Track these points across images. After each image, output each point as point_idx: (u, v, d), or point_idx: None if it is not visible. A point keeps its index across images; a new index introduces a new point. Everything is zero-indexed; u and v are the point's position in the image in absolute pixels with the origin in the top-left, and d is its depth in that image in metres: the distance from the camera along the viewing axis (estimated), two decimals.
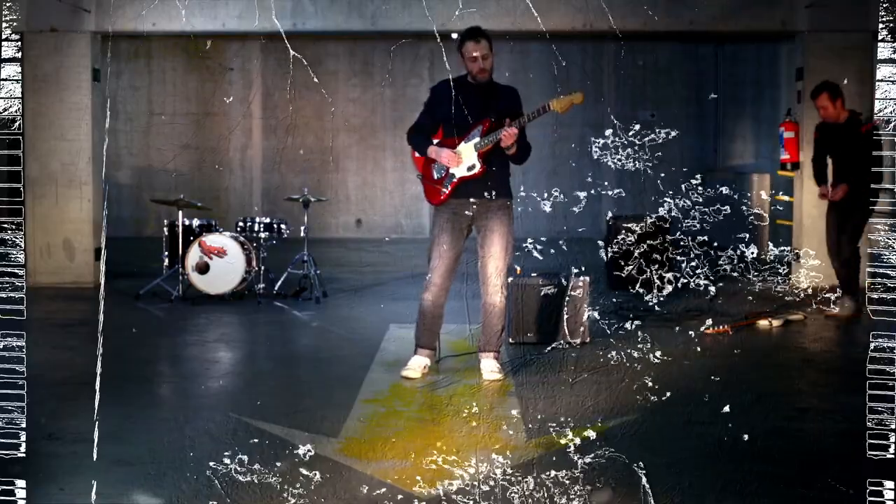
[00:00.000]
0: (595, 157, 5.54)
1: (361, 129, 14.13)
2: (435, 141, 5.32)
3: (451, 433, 4.07)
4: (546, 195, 5.93)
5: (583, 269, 6.16)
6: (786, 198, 8.86)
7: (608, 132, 5.47)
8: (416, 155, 5.59)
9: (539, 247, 5.74)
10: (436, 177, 5.26)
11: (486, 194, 5.19)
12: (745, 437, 4.11)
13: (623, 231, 8.45)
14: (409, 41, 13.02)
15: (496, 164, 5.20)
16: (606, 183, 14.04)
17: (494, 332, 5.29)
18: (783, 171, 8.78)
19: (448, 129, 5.28)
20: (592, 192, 14.00)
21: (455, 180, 5.20)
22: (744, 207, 7.12)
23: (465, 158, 5.18)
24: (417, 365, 5.24)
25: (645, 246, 8.26)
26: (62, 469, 3.66)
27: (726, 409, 4.43)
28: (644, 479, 3.52)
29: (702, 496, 3.32)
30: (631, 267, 8.09)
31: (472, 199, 5.19)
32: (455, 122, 5.20)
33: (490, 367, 5.20)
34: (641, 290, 7.29)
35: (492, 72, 5.22)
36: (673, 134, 5.65)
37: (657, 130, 5.83)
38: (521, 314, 6.08)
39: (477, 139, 5.17)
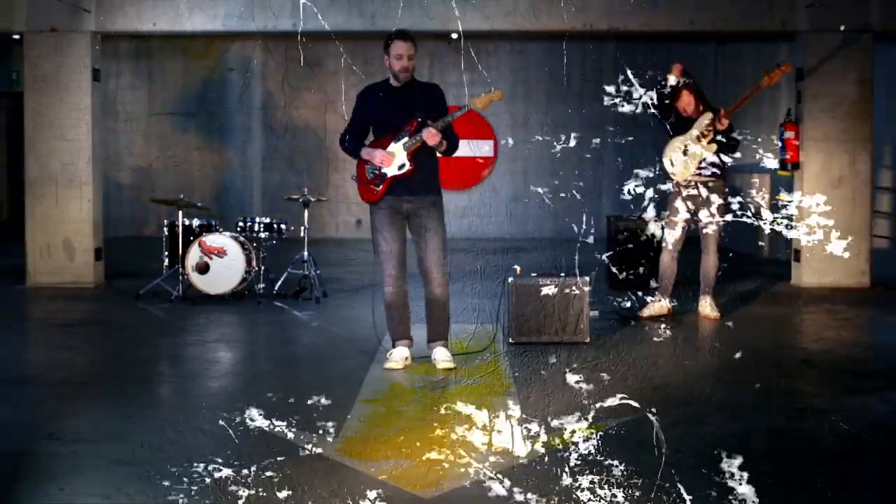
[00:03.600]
0: (608, 103, 5.63)
1: None
2: (367, 143, 5.55)
3: (451, 433, 4.07)
4: (544, 193, 5.99)
5: (581, 268, 6.16)
6: (786, 197, 8.86)
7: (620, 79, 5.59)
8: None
9: (536, 246, 5.78)
10: (369, 177, 5.48)
11: (418, 190, 5.42)
12: (744, 437, 4.11)
13: (620, 231, 8.47)
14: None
15: (424, 162, 5.44)
16: (590, 180, 14.08)
17: (443, 322, 5.55)
18: (783, 171, 8.78)
19: (378, 131, 5.54)
20: (588, 190, 14.02)
21: (387, 179, 5.42)
22: (736, 207, 7.13)
23: (395, 158, 5.39)
24: (399, 356, 5.45)
25: (633, 244, 8.29)
26: (62, 469, 3.66)
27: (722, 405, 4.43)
28: (656, 424, 3.54)
29: (701, 496, 3.32)
30: (627, 267, 8.13)
31: (404, 194, 5.41)
32: (385, 124, 5.45)
33: (443, 356, 5.47)
34: (637, 291, 7.32)
35: (413, 72, 5.44)
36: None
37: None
38: (521, 314, 6.07)
39: (406, 139, 5.39)
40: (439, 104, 5.46)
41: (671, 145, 6.94)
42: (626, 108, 5.83)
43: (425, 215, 5.43)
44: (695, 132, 6.86)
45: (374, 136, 5.54)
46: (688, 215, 6.96)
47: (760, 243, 11.12)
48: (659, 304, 7.07)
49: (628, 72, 5.58)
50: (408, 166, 5.36)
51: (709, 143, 6.84)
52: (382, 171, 5.39)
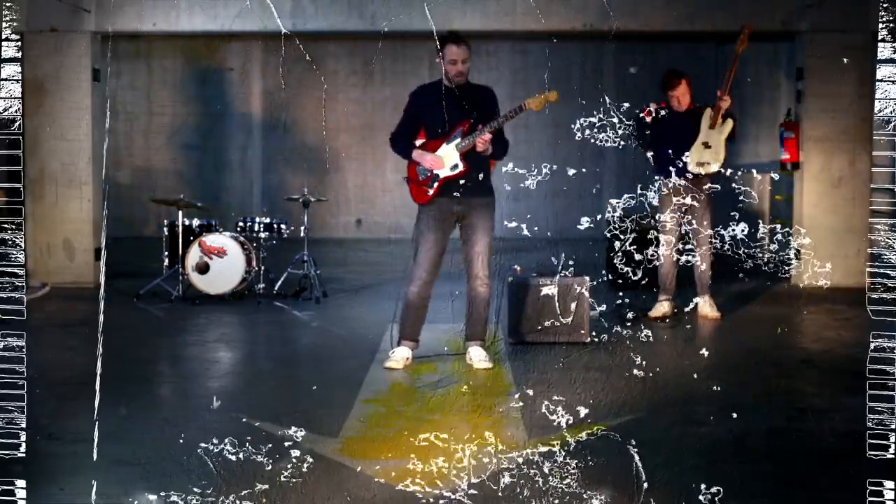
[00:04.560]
0: (584, 137, 5.63)
1: (361, 129, 14.12)
2: (418, 143, 5.52)
3: (451, 433, 4.07)
4: (544, 193, 5.99)
5: (581, 268, 6.16)
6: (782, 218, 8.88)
7: (597, 113, 5.59)
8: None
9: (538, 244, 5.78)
10: (420, 178, 5.45)
11: (470, 192, 5.40)
12: (744, 437, 4.11)
13: (621, 230, 8.45)
14: (392, 42, 13.03)
15: (478, 162, 5.42)
16: (596, 182, 14.07)
17: (481, 321, 5.52)
18: (783, 171, 8.79)
19: (430, 132, 5.49)
20: (588, 190, 14.01)
21: (440, 180, 5.40)
22: (735, 186, 7.12)
23: (447, 160, 5.38)
24: (401, 356, 5.41)
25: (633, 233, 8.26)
26: (62, 469, 3.66)
27: (715, 388, 4.44)
28: (636, 458, 3.53)
29: (701, 497, 3.32)
30: (627, 266, 8.11)
31: (455, 195, 5.39)
32: (437, 124, 5.42)
33: (479, 356, 5.44)
34: (637, 291, 7.31)
35: (468, 74, 5.42)
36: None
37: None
38: (521, 314, 6.07)
39: (458, 140, 5.37)
40: (492, 108, 5.46)
41: (694, 152, 6.89)
42: (607, 136, 5.75)
43: (476, 216, 5.44)
44: (705, 125, 6.88)
45: (426, 137, 5.52)
46: (680, 215, 6.94)
47: (744, 227, 11.09)
48: (663, 305, 7.07)
49: (607, 100, 5.56)
50: (461, 167, 5.36)
51: (723, 123, 6.87)
52: (435, 172, 5.38)
